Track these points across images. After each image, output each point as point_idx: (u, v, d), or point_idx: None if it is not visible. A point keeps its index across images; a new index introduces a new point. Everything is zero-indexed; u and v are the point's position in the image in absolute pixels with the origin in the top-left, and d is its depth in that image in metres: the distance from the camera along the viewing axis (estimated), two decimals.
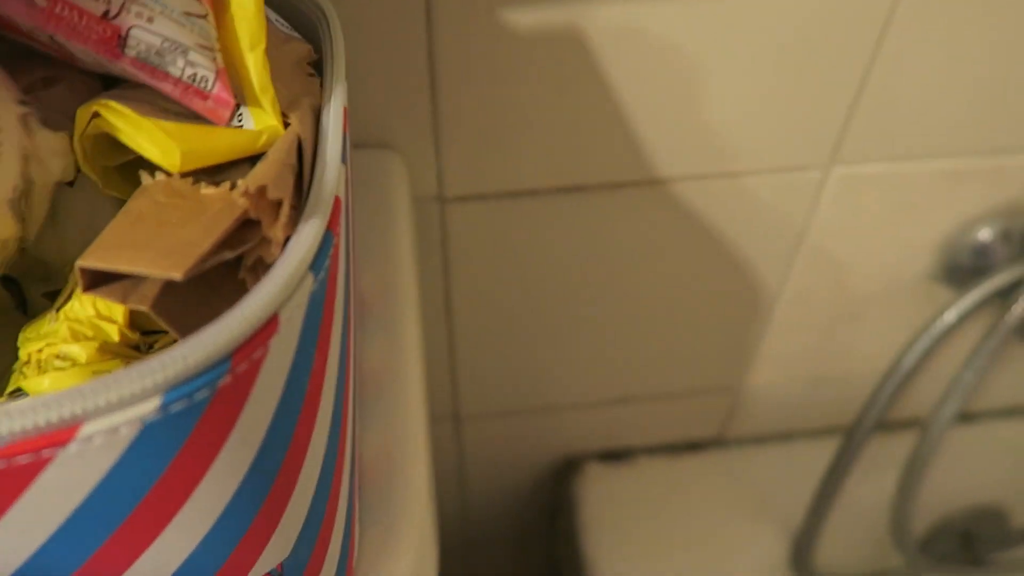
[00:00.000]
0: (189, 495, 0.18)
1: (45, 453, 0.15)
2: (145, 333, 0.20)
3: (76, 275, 0.18)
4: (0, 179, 0.18)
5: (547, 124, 0.43)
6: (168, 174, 0.20)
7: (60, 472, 0.16)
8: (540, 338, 0.58)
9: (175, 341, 0.21)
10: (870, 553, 0.71)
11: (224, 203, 0.18)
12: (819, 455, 0.70)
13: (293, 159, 0.20)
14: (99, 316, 0.19)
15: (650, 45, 0.40)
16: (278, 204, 0.19)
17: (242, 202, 0.18)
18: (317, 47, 0.24)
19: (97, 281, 0.18)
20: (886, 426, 0.66)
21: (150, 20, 0.20)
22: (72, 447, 0.15)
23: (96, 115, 0.19)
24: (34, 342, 0.19)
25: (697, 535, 0.70)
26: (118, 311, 0.20)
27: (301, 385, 0.19)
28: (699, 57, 0.40)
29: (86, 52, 0.21)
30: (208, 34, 0.20)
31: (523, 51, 0.39)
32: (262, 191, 0.18)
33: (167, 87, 0.20)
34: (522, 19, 0.37)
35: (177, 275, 0.16)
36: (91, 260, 0.17)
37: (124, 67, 0.20)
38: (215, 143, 0.19)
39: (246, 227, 0.18)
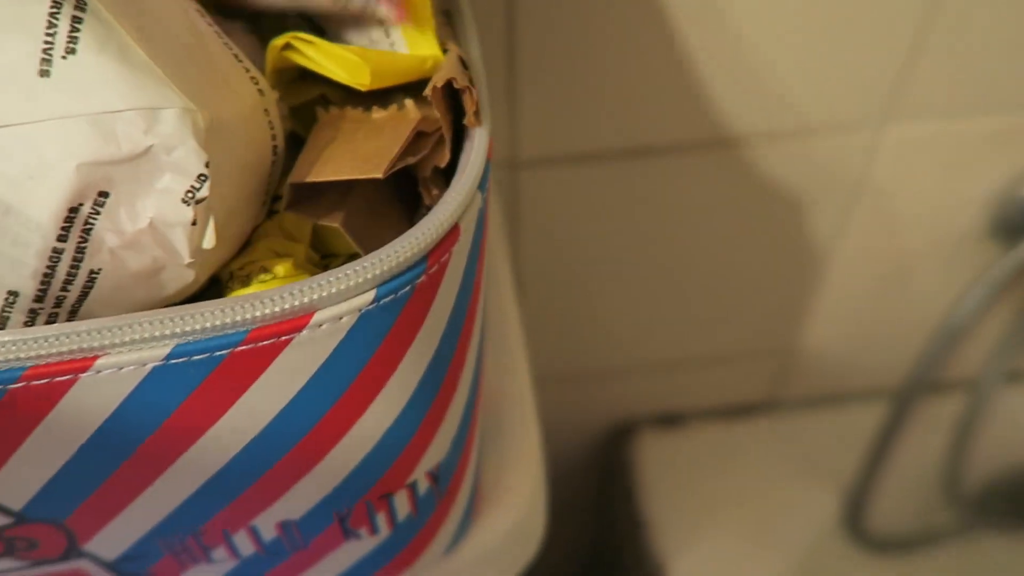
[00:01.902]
0: (385, 382, 0.20)
1: (284, 337, 0.18)
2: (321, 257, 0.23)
3: (287, 193, 0.21)
4: (248, 92, 0.21)
5: (617, 85, 0.45)
6: (341, 107, 0.23)
7: (294, 354, 0.19)
8: (599, 301, 0.61)
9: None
10: (922, 513, 0.74)
11: (398, 120, 0.22)
12: (870, 416, 0.73)
13: (462, 70, 0.23)
14: (289, 237, 0.22)
15: (716, 6, 0.42)
16: (444, 112, 0.21)
17: (414, 115, 0.21)
18: None
19: (298, 200, 0.21)
20: (937, 386, 0.68)
21: None
22: (305, 332, 0.18)
23: (287, 47, 0.22)
24: (236, 260, 0.22)
25: (750, 497, 0.72)
26: (304, 234, 0.23)
27: (468, 291, 0.22)
28: (757, 13, 0.43)
29: None
30: None
31: (600, 9, 0.41)
32: (449, 83, 0.21)
33: None
34: None
35: (378, 174, 0.19)
36: (299, 176, 0.20)
37: None
38: (393, 65, 0.22)
39: (419, 138, 0.21)
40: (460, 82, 0.21)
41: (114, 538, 0.23)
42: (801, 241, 0.59)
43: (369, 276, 0.18)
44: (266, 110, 0.21)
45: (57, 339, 0.17)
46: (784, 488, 0.73)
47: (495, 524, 0.29)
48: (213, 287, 0.22)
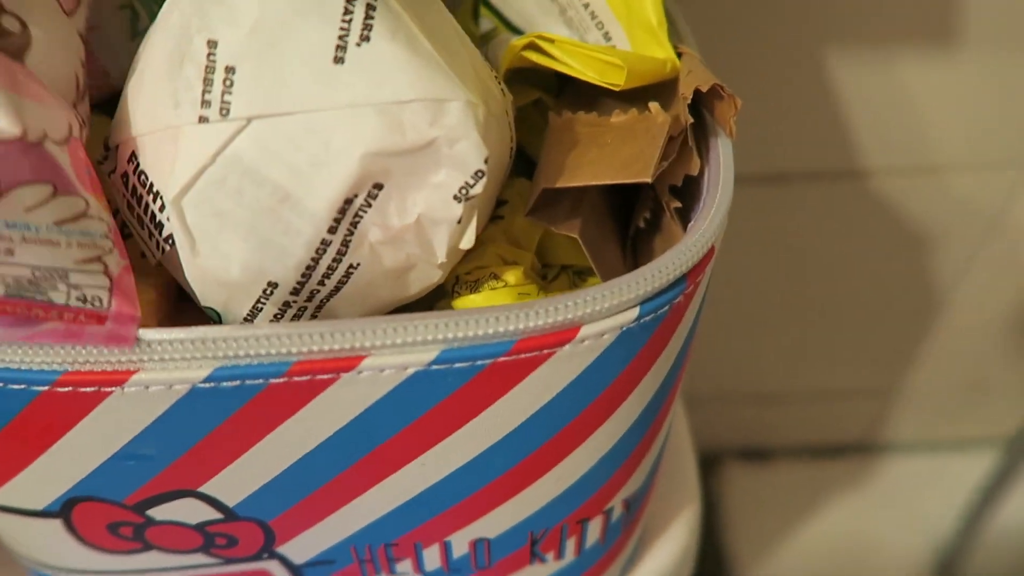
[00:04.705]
0: (621, 402, 0.20)
1: (547, 351, 0.18)
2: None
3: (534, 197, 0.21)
4: (498, 91, 0.21)
5: (756, 110, 0.45)
6: (571, 111, 0.22)
7: (550, 368, 0.18)
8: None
9: (557, 277, 0.24)
10: (1019, 572, 0.71)
11: (646, 123, 0.21)
12: (971, 466, 0.71)
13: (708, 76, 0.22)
14: (515, 244, 0.22)
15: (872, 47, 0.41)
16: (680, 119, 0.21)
17: (662, 118, 0.21)
18: None
19: (536, 207, 0.21)
20: None
21: (9, 252, 0.16)
22: (568, 347, 0.18)
23: (529, 47, 0.22)
24: (462, 265, 0.22)
25: (839, 540, 0.71)
26: (532, 241, 0.22)
27: (699, 313, 0.21)
28: (911, 50, 0.42)
29: None
30: (93, 233, 0.17)
31: (745, 30, 0.41)
32: (715, 89, 0.21)
33: (52, 324, 0.17)
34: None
35: (647, 178, 0.19)
36: (550, 180, 0.20)
37: None
38: (644, 67, 0.22)
39: (668, 143, 0.21)
40: (726, 89, 0.21)
41: (312, 542, 0.22)
42: (923, 278, 0.58)
43: (640, 292, 0.18)
44: (507, 111, 0.21)
45: (331, 335, 0.17)
46: (874, 533, 0.71)
47: (659, 555, 0.29)
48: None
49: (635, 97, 0.23)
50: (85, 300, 0.17)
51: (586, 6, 0.25)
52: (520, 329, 0.17)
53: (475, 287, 0.21)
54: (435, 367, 0.18)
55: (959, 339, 0.62)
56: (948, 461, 0.71)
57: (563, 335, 0.18)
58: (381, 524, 0.22)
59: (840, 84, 0.44)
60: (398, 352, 0.17)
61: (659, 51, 0.24)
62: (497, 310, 0.17)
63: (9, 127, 0.16)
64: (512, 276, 0.21)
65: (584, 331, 0.18)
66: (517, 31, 0.26)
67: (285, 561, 0.23)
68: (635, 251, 0.24)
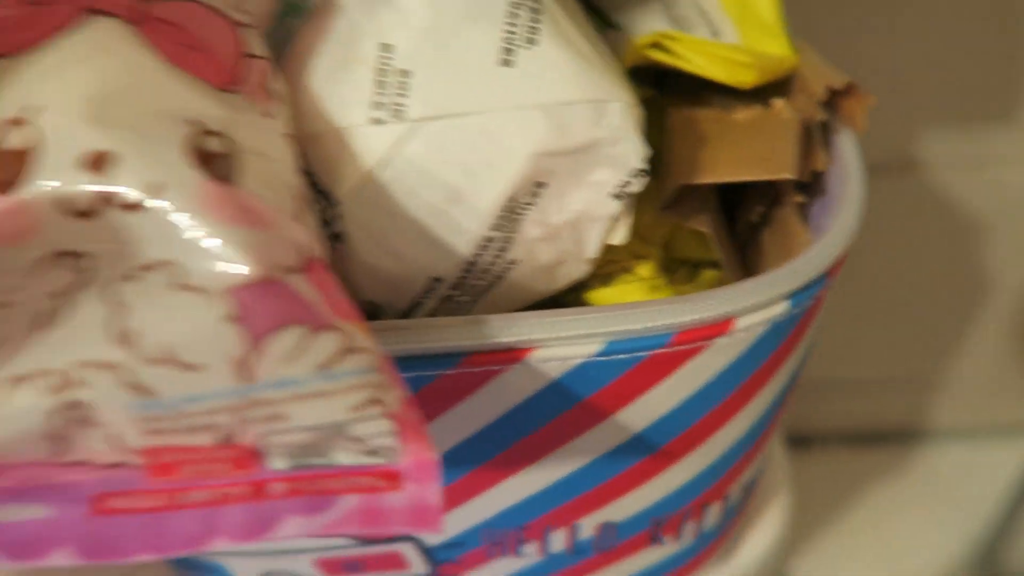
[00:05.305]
0: (759, 390, 0.21)
1: (701, 343, 0.19)
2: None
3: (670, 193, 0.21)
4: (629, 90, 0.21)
5: None
6: (688, 108, 0.23)
7: (703, 358, 0.19)
8: None
9: (677, 271, 0.25)
10: None
11: (771, 119, 0.22)
12: (1011, 454, 0.71)
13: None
14: (641, 239, 0.23)
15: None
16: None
17: (788, 114, 0.22)
18: None
19: (669, 203, 0.22)
20: None
21: (281, 417, 0.15)
22: (721, 339, 0.19)
23: (653, 46, 0.22)
24: None
25: (879, 527, 0.71)
26: (659, 236, 0.23)
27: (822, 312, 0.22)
28: None
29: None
30: (362, 370, 0.15)
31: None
32: (850, 87, 0.21)
33: (346, 500, 0.15)
34: None
35: (791, 174, 0.20)
36: (686, 176, 0.21)
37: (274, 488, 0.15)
38: (771, 65, 0.22)
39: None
40: (858, 87, 0.21)
41: (450, 525, 0.23)
42: (967, 265, 0.58)
43: (793, 287, 0.19)
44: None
45: (503, 330, 0.18)
46: (914, 520, 0.72)
47: (759, 540, 0.29)
48: None
49: (742, 92, 0.24)
50: (374, 453, 0.15)
51: (694, 2, 0.26)
52: (679, 323, 0.18)
53: (607, 280, 0.22)
54: (598, 359, 0.18)
55: (1003, 325, 0.62)
56: (990, 449, 0.72)
57: (718, 328, 0.19)
58: (518, 508, 0.23)
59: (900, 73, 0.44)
60: (565, 345, 0.18)
61: (774, 47, 0.24)
62: (657, 305, 0.18)
63: (241, 267, 0.14)
64: (644, 270, 0.22)
65: (738, 323, 0.19)
66: (615, 27, 0.27)
67: (419, 543, 0.24)
68: (742, 244, 0.25)
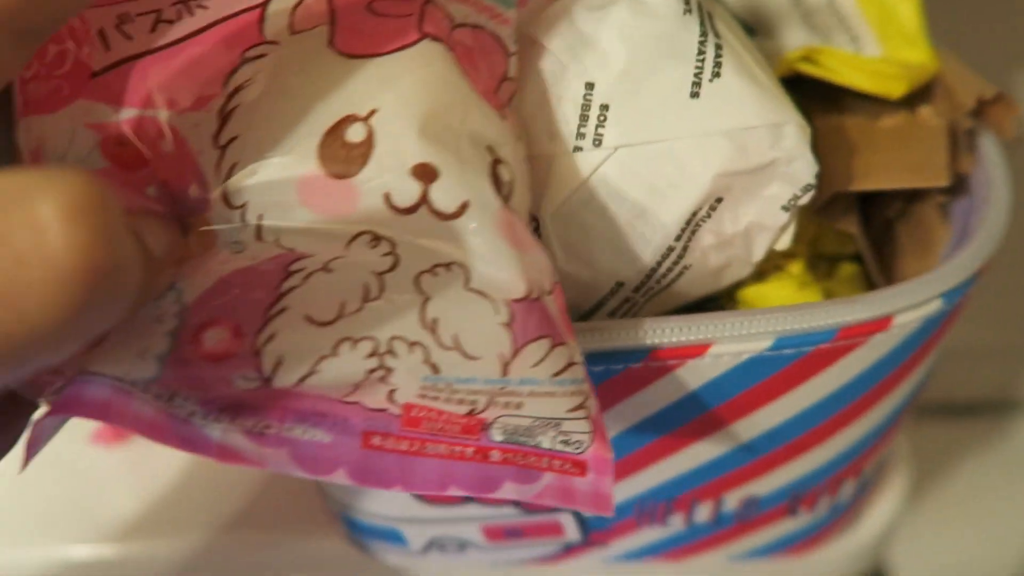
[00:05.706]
0: (907, 377, 0.23)
1: (862, 338, 0.21)
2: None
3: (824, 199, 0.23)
4: None
5: None
6: (824, 116, 0.25)
7: (861, 352, 0.21)
8: None
9: (818, 267, 0.26)
10: None
11: (918, 126, 0.24)
12: None
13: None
14: (796, 240, 0.25)
15: None
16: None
17: (935, 121, 0.23)
18: None
19: (822, 207, 0.24)
20: None
21: (519, 406, 0.18)
22: (880, 335, 0.21)
23: (803, 59, 0.24)
24: None
25: (970, 499, 0.72)
26: (806, 234, 0.25)
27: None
28: None
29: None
30: (578, 380, 0.18)
31: None
32: (999, 96, 0.23)
33: (547, 477, 0.18)
34: None
35: (944, 182, 0.22)
36: (842, 184, 0.23)
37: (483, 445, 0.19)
38: (917, 75, 0.24)
39: None
40: (1008, 97, 0.23)
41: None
42: None
43: (947, 286, 0.21)
44: None
45: (687, 329, 0.20)
46: (1009, 491, 0.72)
47: (883, 509, 0.31)
48: None
49: (886, 99, 0.25)
50: (568, 444, 0.18)
51: (834, 10, 0.27)
52: (844, 321, 0.20)
53: (761, 277, 0.24)
54: (767, 353, 0.21)
55: None
56: None
57: (878, 324, 0.21)
58: (671, 484, 0.25)
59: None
60: (739, 341, 0.20)
61: (915, 55, 0.25)
62: (822, 305, 0.20)
63: (520, 284, 0.16)
64: (795, 267, 0.24)
65: (896, 320, 0.21)
66: (752, 34, 0.28)
67: (578, 514, 0.27)
68: (876, 237, 0.27)
